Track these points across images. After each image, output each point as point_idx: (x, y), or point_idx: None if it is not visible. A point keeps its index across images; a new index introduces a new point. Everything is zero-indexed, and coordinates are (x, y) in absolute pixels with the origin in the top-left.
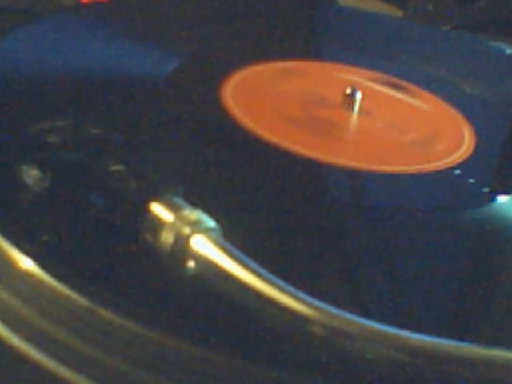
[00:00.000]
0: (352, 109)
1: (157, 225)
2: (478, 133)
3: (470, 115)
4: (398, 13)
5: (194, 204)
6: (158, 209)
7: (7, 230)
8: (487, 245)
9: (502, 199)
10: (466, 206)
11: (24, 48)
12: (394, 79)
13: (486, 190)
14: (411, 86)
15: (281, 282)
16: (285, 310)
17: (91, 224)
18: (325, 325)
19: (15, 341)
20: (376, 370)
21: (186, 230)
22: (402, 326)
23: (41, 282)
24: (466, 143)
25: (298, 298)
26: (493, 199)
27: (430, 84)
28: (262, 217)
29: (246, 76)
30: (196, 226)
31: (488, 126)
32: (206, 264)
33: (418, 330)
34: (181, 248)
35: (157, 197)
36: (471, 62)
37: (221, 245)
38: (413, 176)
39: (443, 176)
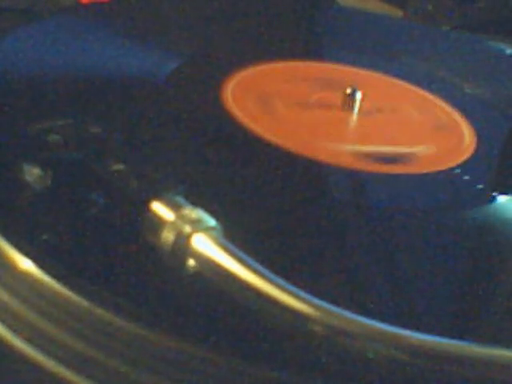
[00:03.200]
0: (352, 109)
1: (157, 224)
2: (478, 133)
3: (470, 115)
4: (398, 13)
5: (195, 203)
6: (158, 208)
7: (7, 230)
8: (487, 245)
9: (501, 199)
10: (466, 206)
11: (24, 48)
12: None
13: (485, 189)
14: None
15: (281, 281)
16: (285, 308)
17: (92, 223)
18: (325, 324)
19: (15, 341)
20: (376, 370)
21: (187, 229)
22: (402, 326)
23: (41, 282)
24: (466, 143)
25: (298, 297)
26: (493, 199)
27: (430, 84)
28: (262, 216)
29: (246, 76)
30: (196, 225)
31: (488, 126)
32: (206, 263)
33: (418, 329)
34: (181, 247)
35: (157, 196)
36: (471, 62)
37: (221, 244)
38: (413, 176)
39: (443, 176)
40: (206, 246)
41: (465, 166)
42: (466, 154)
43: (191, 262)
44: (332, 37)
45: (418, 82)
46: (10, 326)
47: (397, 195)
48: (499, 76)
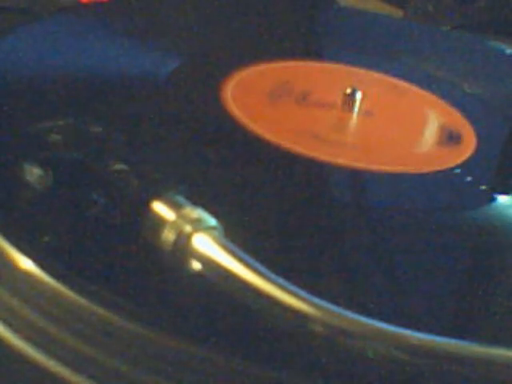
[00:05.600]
0: (352, 109)
1: (158, 223)
2: (478, 133)
3: (470, 115)
4: (398, 13)
5: (195, 203)
6: (159, 207)
7: (7, 230)
8: (487, 245)
9: (501, 199)
10: (466, 206)
11: (24, 48)
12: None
13: (486, 189)
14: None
15: (282, 281)
16: (286, 308)
17: (92, 223)
18: (325, 323)
19: (15, 341)
20: (376, 369)
21: (187, 229)
22: (402, 325)
23: (41, 281)
24: (465, 143)
25: (298, 297)
26: (493, 199)
27: (430, 84)
28: (262, 216)
29: (246, 76)
30: (197, 225)
31: (488, 126)
32: (207, 263)
33: (418, 329)
34: (182, 246)
35: (158, 195)
36: (471, 61)
37: (222, 243)
38: (413, 176)
39: (443, 176)
40: (207, 245)
41: (465, 165)
42: (465, 154)
43: (192, 262)
44: (332, 37)
45: (418, 82)
46: (10, 326)
47: (397, 195)
48: (499, 76)
